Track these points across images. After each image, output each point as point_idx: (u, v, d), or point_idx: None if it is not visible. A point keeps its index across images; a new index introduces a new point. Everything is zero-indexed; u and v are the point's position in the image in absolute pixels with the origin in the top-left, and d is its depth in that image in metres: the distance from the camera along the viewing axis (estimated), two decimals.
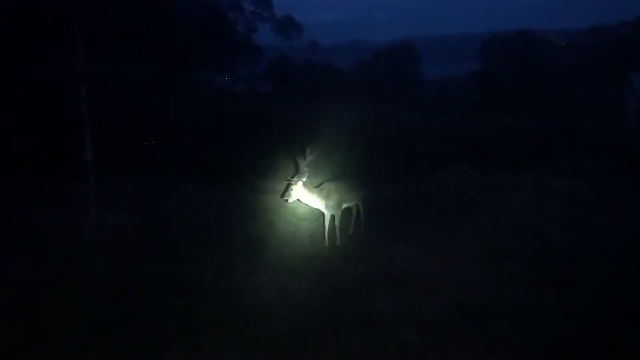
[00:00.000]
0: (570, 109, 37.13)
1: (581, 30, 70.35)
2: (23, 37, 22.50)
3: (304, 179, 9.03)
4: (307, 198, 9.31)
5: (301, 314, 7.57)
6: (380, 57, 56.64)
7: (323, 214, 9.89)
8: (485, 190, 14.31)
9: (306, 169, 8.99)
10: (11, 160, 15.37)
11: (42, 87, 20.14)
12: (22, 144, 16.83)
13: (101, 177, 11.15)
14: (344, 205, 10.00)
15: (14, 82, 21.69)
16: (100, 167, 11.09)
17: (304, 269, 9.09)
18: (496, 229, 11.25)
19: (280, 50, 59.88)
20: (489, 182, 15.21)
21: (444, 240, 10.57)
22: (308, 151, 9.02)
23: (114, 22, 23.93)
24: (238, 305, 7.76)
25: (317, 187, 9.54)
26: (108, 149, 14.51)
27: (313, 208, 9.87)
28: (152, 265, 8.99)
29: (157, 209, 11.96)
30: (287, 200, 9.08)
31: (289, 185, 8.96)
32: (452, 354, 6.75)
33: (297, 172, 9.01)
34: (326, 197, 9.54)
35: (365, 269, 9.20)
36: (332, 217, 9.86)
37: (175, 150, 16.40)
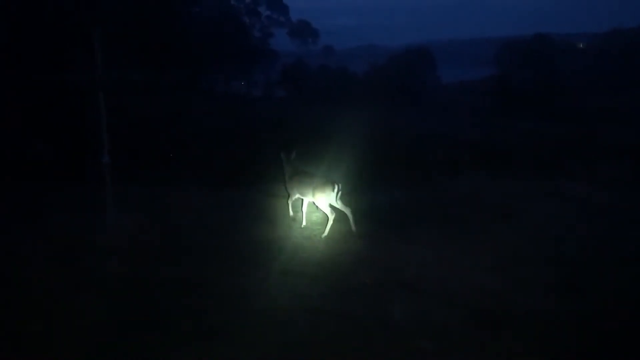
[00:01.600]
0: (588, 114, 36.76)
1: (600, 34, 69.65)
2: (44, 43, 22.85)
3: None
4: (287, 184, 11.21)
5: (315, 319, 7.55)
6: (396, 62, 56.54)
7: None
8: (502, 197, 14.19)
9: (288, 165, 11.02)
10: (32, 163, 15.63)
11: (63, 92, 20.39)
12: (43, 148, 17.10)
13: (118, 181, 11.26)
14: (303, 198, 11.08)
15: (34, 88, 21.99)
16: (118, 171, 11.20)
17: (318, 274, 9.07)
18: (513, 236, 11.13)
19: (296, 55, 60.13)
20: (506, 188, 15.08)
21: (460, 246, 10.48)
22: (293, 152, 11.05)
23: (132, 28, 24.19)
24: (251, 309, 7.76)
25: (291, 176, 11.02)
26: (126, 154, 14.70)
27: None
28: (167, 268, 9.05)
29: (172, 213, 12.05)
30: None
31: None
32: None
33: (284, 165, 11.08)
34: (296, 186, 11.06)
35: (380, 273, 9.15)
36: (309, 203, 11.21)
37: (192, 155, 16.50)
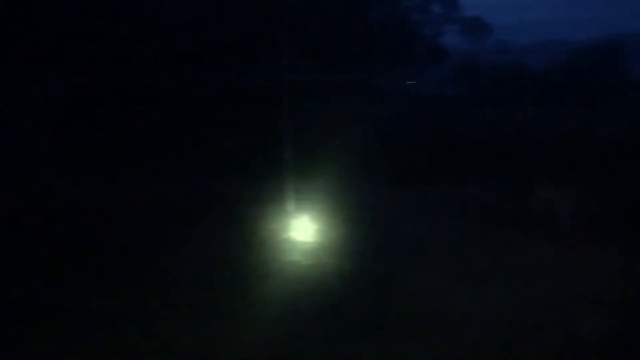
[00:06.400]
0: None
1: None
2: (233, 45, 25.01)
3: None
4: None
5: (498, 326, 7.31)
6: (581, 56, 51.97)
7: None
8: None
9: None
10: (220, 160, 17.12)
11: (249, 92, 22.03)
12: (229, 146, 18.65)
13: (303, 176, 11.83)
14: None
15: (221, 89, 24.07)
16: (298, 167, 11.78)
17: (494, 280, 8.73)
18: None
19: (468, 52, 58.17)
20: None
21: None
22: None
23: (315, 31, 25.37)
24: (427, 311, 7.74)
25: None
26: (306, 152, 15.49)
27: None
28: (358, 264, 9.29)
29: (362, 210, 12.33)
30: None
31: None
32: None
33: None
34: None
35: (572, 286, 8.56)
36: None
37: (375, 155, 16.89)
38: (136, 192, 14.40)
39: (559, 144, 19.20)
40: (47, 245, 10.44)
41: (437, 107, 36.95)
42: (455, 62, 53.38)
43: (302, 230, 11.08)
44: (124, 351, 7.12)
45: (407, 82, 51.88)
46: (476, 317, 7.53)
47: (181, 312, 7.76)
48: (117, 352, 7.09)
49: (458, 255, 9.80)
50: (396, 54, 46.22)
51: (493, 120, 25.53)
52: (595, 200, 12.50)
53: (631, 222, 11.04)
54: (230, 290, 8.50)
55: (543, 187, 11.18)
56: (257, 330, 7.36)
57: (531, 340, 7.00)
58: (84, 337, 7.35)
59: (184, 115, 20.45)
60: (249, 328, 7.37)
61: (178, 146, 17.82)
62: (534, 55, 62.74)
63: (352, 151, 16.79)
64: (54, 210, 12.95)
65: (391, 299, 8.19)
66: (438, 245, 10.15)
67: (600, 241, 9.96)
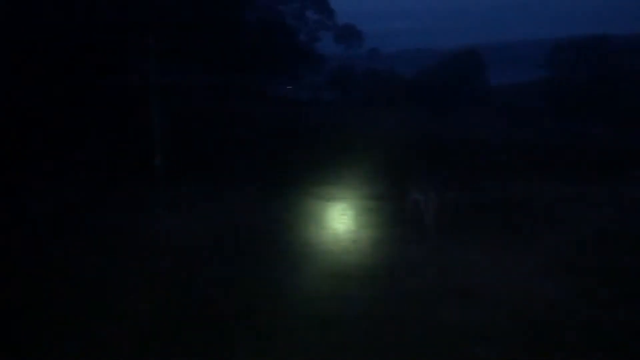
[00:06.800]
0: None
1: None
2: (99, 48, 23.79)
3: None
4: None
5: (365, 323, 7.56)
6: (445, 64, 55.75)
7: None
8: (555, 201, 13.83)
9: None
10: (87, 165, 16.22)
11: (117, 96, 21.11)
12: (97, 150, 17.71)
13: (171, 182, 11.55)
14: None
15: (90, 92, 22.86)
16: (169, 172, 11.47)
17: (368, 277, 9.07)
18: (567, 242, 10.83)
19: (342, 58, 60.11)
20: (559, 193, 14.68)
21: (513, 252, 10.28)
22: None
23: (184, 33, 24.84)
24: (301, 312, 7.83)
25: None
26: (177, 156, 15.10)
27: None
28: (216, 268, 9.21)
29: (222, 214, 12.25)
30: None
31: None
32: None
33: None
34: None
35: (433, 278, 9.08)
36: None
37: (241, 156, 16.76)
38: None
39: (427, 145, 20.41)
40: None
41: (312, 110, 37.82)
42: (330, 68, 54.93)
43: (169, 237, 10.74)
44: None
45: (285, 87, 52.52)
46: (346, 314, 7.77)
47: None
48: None
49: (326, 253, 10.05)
50: (273, 59, 46.62)
51: (367, 123, 26.61)
52: (461, 198, 13.38)
53: (493, 219, 11.95)
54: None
55: (411, 187, 11.78)
56: None
57: (395, 332, 7.32)
58: None
59: (50, 121, 19.11)
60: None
61: (44, 152, 16.58)
62: (403, 62, 66.41)
63: (226, 155, 16.63)
64: None
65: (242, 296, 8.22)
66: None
67: (464, 238, 10.69)
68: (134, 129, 16.88)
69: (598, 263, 9.81)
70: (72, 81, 22.60)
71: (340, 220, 11.87)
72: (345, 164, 14.78)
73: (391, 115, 31.44)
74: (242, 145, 18.53)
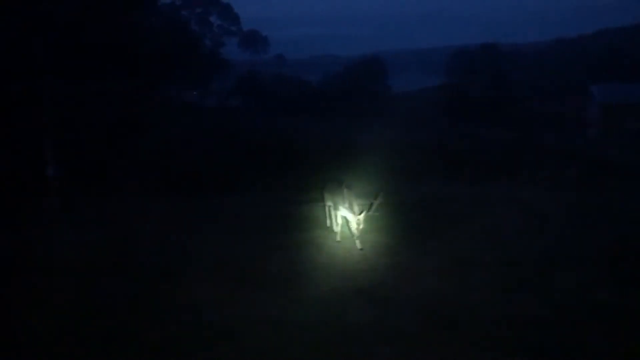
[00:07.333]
0: (534, 120, 37.98)
1: (545, 43, 72.29)
2: None
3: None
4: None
5: (273, 329, 7.54)
6: (350, 71, 57.10)
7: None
8: (454, 202, 14.48)
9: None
10: None
11: (9, 104, 19.68)
12: None
13: (69, 193, 10.93)
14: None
15: None
16: (69, 183, 10.85)
17: (273, 284, 9.04)
18: (464, 240, 11.38)
19: (249, 64, 59.95)
20: (457, 194, 15.40)
21: (415, 251, 10.65)
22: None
23: (84, 38, 23.54)
24: (207, 322, 7.67)
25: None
26: (78, 165, 14.33)
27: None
28: (114, 283, 8.79)
29: (121, 226, 11.68)
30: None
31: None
32: None
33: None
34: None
35: (339, 281, 9.20)
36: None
37: (139, 165, 16.11)
38: None
39: (335, 150, 20.69)
40: None
41: (218, 117, 37.34)
42: (236, 74, 54.49)
43: (67, 253, 10.14)
44: None
45: (189, 92, 51.41)
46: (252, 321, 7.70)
47: None
48: None
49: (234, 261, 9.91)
50: (177, 65, 45.47)
51: (272, 130, 26.58)
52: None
53: (397, 220, 12.23)
54: None
55: (321, 191, 11.85)
56: None
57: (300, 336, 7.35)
58: None
59: None
60: None
61: None
62: (310, 69, 67.26)
63: (123, 164, 15.92)
64: None
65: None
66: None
67: (369, 239, 10.89)
68: (24, 139, 15.76)
69: (490, 257, 10.39)
70: None
71: (247, 225, 11.75)
72: (246, 171, 14.64)
73: (298, 120, 31.64)
74: (140, 153, 17.84)
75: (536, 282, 9.21)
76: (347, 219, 10.47)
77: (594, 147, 25.69)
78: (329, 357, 6.91)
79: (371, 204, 10.31)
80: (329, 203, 11.35)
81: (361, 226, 10.20)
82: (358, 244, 10.31)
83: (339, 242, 10.63)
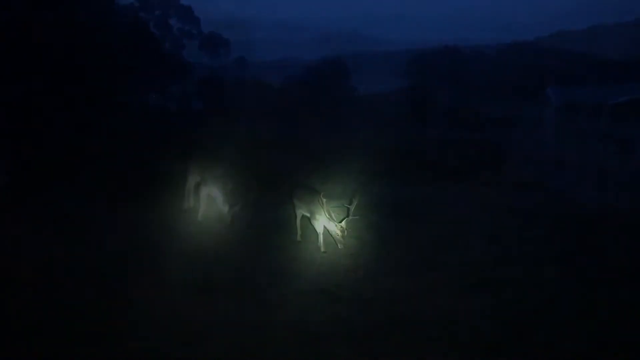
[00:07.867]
0: (492, 122, 38.75)
1: (503, 45, 73.82)
2: None
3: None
4: None
5: (235, 331, 7.54)
6: (311, 74, 57.12)
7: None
8: (415, 202, 14.61)
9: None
10: None
11: None
12: None
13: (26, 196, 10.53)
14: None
15: None
16: (25, 186, 10.45)
17: (232, 287, 8.94)
18: (424, 240, 11.48)
19: (209, 67, 59.38)
20: (418, 194, 15.51)
21: (375, 252, 10.69)
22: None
23: (39, 41, 22.86)
24: (168, 330, 7.52)
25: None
26: (33, 170, 13.84)
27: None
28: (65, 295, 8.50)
29: (76, 232, 11.27)
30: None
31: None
32: None
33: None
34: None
35: (300, 283, 9.17)
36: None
37: (95, 170, 15.62)
38: None
39: (294, 152, 20.61)
40: None
41: (180, 120, 36.77)
42: (197, 77, 53.81)
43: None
44: None
45: (151, 96, 50.47)
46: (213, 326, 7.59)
47: None
48: None
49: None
50: (136, 67, 44.62)
51: (234, 132, 26.29)
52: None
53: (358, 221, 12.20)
54: None
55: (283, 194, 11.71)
56: None
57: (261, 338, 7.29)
58: None
59: None
60: None
61: None
62: (272, 71, 66.92)
63: (77, 169, 15.38)
64: None
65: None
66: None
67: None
68: None
69: (451, 257, 10.48)
70: None
71: (207, 230, 11.53)
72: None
73: (258, 124, 31.47)
74: (96, 158, 17.32)
75: (495, 282, 9.32)
76: (327, 228, 10.23)
77: (549, 148, 26.29)
78: (286, 356, 6.99)
79: (348, 209, 10.14)
80: (301, 211, 10.95)
81: (345, 232, 9.97)
82: (340, 246, 10.07)
83: (324, 252, 10.42)
